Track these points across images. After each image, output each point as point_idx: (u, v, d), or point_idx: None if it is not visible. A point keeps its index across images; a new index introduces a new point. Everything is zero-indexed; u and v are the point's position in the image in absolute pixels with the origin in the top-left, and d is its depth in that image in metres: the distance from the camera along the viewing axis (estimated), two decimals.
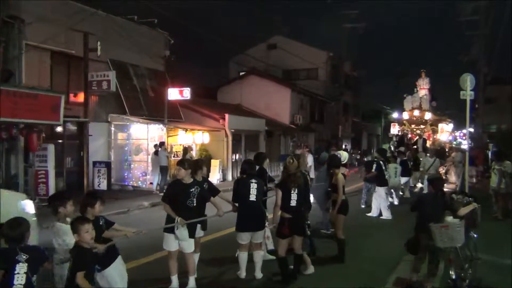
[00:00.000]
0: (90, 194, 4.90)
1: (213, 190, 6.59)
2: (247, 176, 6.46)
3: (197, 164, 6.54)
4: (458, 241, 5.38)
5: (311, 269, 6.67)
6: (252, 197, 6.28)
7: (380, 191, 11.72)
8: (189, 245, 5.81)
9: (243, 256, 6.43)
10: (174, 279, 5.85)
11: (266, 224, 6.81)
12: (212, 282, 6.47)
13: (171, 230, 5.68)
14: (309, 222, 6.81)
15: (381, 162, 11.94)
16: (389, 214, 11.60)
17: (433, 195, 6.04)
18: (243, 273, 6.46)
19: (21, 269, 3.52)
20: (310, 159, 14.71)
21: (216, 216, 6.33)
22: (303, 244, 6.54)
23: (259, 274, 6.44)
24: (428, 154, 20.18)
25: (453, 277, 5.50)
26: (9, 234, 3.69)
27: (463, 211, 5.73)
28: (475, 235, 6.25)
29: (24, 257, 3.57)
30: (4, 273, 3.55)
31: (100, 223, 4.64)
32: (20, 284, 3.50)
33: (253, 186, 6.31)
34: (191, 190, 5.74)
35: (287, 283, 6.20)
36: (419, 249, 5.90)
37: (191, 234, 5.78)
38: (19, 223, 3.81)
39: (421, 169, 15.42)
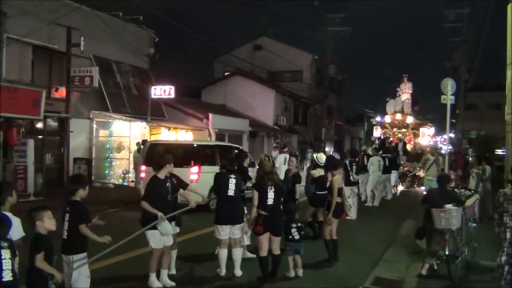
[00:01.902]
0: (76, 177, 4.93)
1: (183, 184, 6.61)
2: (226, 172, 6.56)
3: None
4: (453, 224, 6.28)
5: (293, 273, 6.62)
6: (231, 192, 6.39)
7: (344, 189, 11.89)
8: (169, 239, 5.86)
9: (222, 254, 6.42)
10: (153, 276, 5.81)
11: (245, 219, 6.82)
12: (191, 279, 6.45)
13: (154, 227, 5.65)
14: (300, 224, 6.66)
15: (347, 162, 12.02)
16: (354, 215, 11.72)
17: (439, 189, 6.89)
18: (223, 271, 6.45)
19: (6, 254, 3.62)
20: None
21: (191, 206, 6.33)
22: (298, 247, 6.47)
23: (238, 272, 6.44)
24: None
25: (447, 253, 6.25)
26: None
27: (469, 201, 6.74)
28: (473, 224, 7.04)
29: (5, 244, 3.66)
30: None
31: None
32: (8, 269, 3.62)
33: (232, 182, 6.41)
34: (167, 185, 5.86)
35: (267, 282, 6.21)
36: (426, 235, 6.80)
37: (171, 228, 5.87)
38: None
39: (419, 166, 15.91)
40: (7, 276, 3.59)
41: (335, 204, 7.24)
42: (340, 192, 7.45)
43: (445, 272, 6.35)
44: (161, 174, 5.84)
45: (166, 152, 9.70)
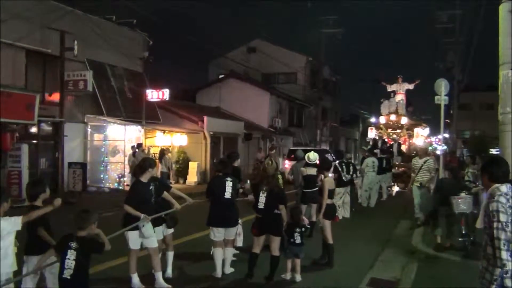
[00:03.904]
0: (37, 181, 5.15)
1: (166, 186, 6.65)
2: (222, 175, 6.60)
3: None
4: (467, 209, 7.77)
5: (290, 275, 6.57)
6: (227, 195, 6.42)
7: (336, 190, 11.85)
8: (153, 241, 5.87)
9: (218, 253, 6.47)
10: (135, 277, 5.82)
11: (240, 221, 6.91)
12: (186, 280, 6.44)
13: (134, 228, 5.70)
14: (303, 229, 6.54)
15: (337, 164, 12.02)
16: (340, 215, 11.69)
17: (450, 180, 8.53)
18: (218, 271, 6.44)
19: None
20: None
21: (176, 209, 6.30)
22: (298, 251, 6.40)
23: (228, 269, 6.55)
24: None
25: (463, 232, 7.78)
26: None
27: (475, 189, 8.53)
28: (474, 211, 8.14)
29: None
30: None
31: None
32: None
33: (228, 184, 6.45)
34: (150, 188, 5.87)
35: (250, 276, 6.21)
36: (438, 218, 8.28)
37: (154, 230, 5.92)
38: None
39: (412, 174, 14.91)
40: None
41: (326, 205, 7.20)
42: (332, 193, 7.43)
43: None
44: (144, 178, 5.85)
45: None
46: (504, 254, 3.44)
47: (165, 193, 6.27)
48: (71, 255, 3.92)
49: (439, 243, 8.05)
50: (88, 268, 4.09)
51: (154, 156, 17.81)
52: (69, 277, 3.91)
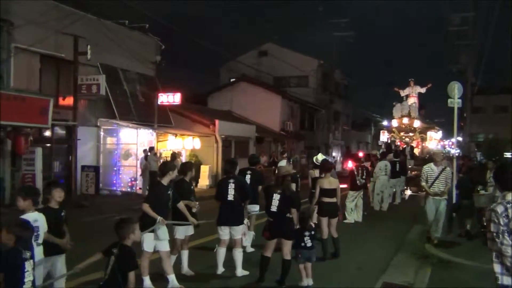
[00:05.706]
0: (51, 182, 5.27)
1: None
2: (226, 177, 6.88)
3: (187, 165, 7.03)
4: (487, 204, 8.28)
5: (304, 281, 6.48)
6: (230, 197, 6.69)
7: (349, 193, 11.95)
8: (165, 244, 5.97)
9: (220, 252, 6.75)
10: (147, 280, 5.87)
11: (245, 221, 7.11)
12: (197, 280, 6.47)
13: (150, 230, 5.79)
14: (313, 232, 6.49)
15: (353, 167, 12.15)
16: (352, 218, 11.76)
17: (468, 178, 9.96)
18: (220, 268, 6.71)
19: (29, 266, 3.52)
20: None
21: (192, 223, 6.43)
22: (310, 255, 6.35)
23: (239, 272, 6.62)
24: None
25: (484, 223, 8.07)
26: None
27: (490, 186, 9.71)
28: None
29: (29, 254, 3.55)
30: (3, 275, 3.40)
31: (62, 214, 4.88)
32: (30, 280, 3.51)
33: (231, 186, 6.69)
34: (168, 192, 6.01)
35: (262, 280, 6.22)
36: (461, 210, 9.60)
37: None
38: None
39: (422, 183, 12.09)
40: None
41: (324, 204, 7.69)
42: (333, 193, 7.76)
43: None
44: (165, 181, 6.01)
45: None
46: (496, 267, 3.26)
47: (182, 204, 6.31)
48: (111, 261, 3.92)
49: (468, 230, 9.32)
50: (121, 277, 3.83)
51: (166, 160, 17.93)
52: (101, 283, 3.90)
